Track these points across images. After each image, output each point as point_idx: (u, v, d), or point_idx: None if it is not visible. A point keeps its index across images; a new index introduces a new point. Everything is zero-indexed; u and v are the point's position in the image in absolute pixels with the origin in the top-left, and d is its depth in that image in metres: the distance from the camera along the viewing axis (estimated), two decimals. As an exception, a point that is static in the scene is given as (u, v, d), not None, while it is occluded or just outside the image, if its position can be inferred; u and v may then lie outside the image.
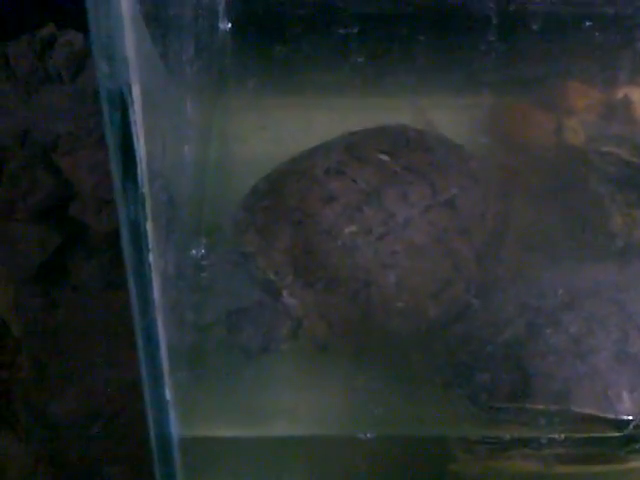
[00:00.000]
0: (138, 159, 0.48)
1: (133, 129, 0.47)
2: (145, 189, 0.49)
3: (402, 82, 0.82)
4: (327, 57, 0.83)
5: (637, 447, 0.63)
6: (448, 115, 0.85)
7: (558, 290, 0.67)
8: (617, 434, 0.62)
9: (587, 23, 0.81)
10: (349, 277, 0.67)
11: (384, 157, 0.72)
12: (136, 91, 0.46)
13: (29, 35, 1.17)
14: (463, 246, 0.70)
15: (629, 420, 0.61)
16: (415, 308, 0.68)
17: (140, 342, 0.55)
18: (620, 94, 0.83)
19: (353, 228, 0.68)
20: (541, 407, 0.62)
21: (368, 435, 0.64)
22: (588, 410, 0.61)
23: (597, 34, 0.81)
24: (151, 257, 0.52)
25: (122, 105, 0.46)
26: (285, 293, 0.67)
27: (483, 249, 0.71)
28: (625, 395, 0.61)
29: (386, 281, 0.68)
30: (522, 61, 0.85)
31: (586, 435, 0.62)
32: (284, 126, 0.82)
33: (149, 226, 0.50)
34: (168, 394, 0.59)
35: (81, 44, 1.17)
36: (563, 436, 0.62)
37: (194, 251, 0.68)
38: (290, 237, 0.68)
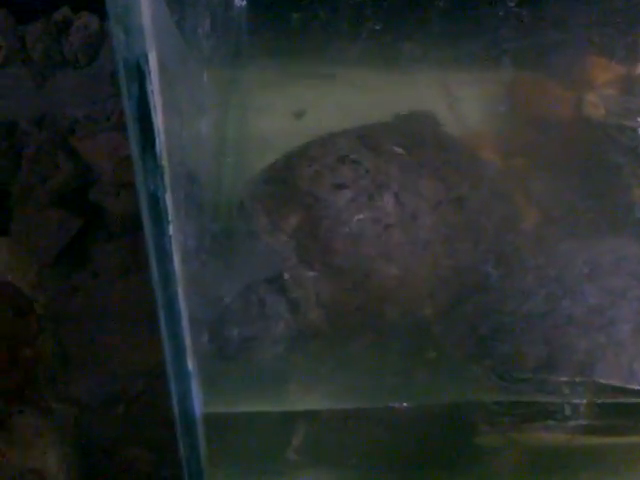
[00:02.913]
0: (156, 130, 0.48)
1: (151, 100, 0.47)
2: (164, 161, 0.49)
3: (420, 54, 0.82)
4: (345, 31, 0.82)
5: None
6: (468, 89, 0.84)
7: (579, 262, 0.67)
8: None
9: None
10: (353, 265, 0.68)
11: (398, 150, 0.72)
12: (153, 61, 0.45)
13: (44, 19, 1.17)
14: (469, 244, 0.70)
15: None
16: (412, 303, 0.68)
17: (162, 315, 0.55)
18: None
19: (361, 216, 0.68)
20: (565, 379, 0.61)
21: (394, 405, 0.64)
22: (612, 381, 0.61)
23: (620, 4, 0.80)
24: (171, 229, 0.52)
25: (139, 75, 0.46)
26: (286, 275, 0.67)
27: (490, 247, 0.71)
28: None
29: (388, 273, 0.68)
30: (542, 34, 0.84)
31: (610, 403, 0.62)
32: (301, 101, 0.82)
33: (168, 198, 0.50)
34: (190, 367, 0.59)
35: (96, 27, 1.17)
36: (586, 407, 0.62)
37: (212, 226, 0.68)
38: (297, 220, 0.68)
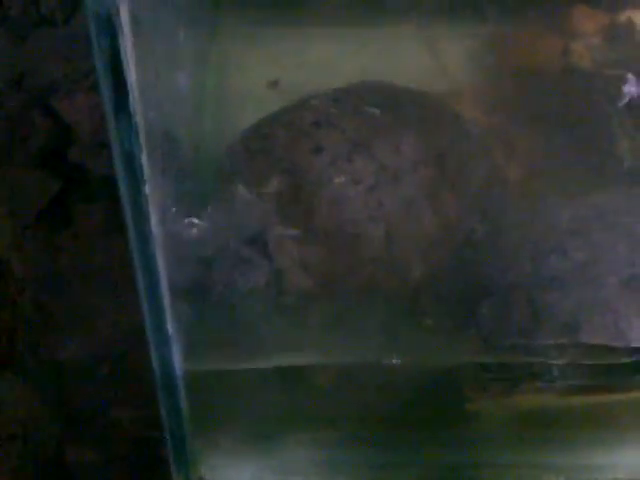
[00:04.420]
0: (130, 87, 0.46)
1: (123, 55, 0.45)
2: (138, 118, 0.48)
3: (403, 10, 0.80)
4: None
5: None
6: (452, 43, 0.83)
7: (563, 218, 0.66)
8: (629, 361, 0.61)
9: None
10: (336, 229, 0.67)
11: (374, 110, 0.71)
12: (124, 15, 0.44)
13: (20, -24, 1.15)
14: (452, 203, 0.70)
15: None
16: (398, 264, 0.67)
17: (140, 276, 0.55)
18: (623, 17, 0.81)
19: (342, 179, 0.67)
20: (550, 341, 0.61)
21: (383, 361, 0.64)
22: (598, 340, 0.60)
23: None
24: (147, 189, 0.51)
25: (110, 30, 0.44)
26: (270, 243, 0.66)
27: (473, 206, 0.70)
28: (635, 322, 0.60)
29: (374, 234, 0.67)
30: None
31: (598, 364, 0.61)
32: (283, 57, 0.80)
33: (144, 157, 0.49)
34: (170, 328, 0.58)
35: (73, -16, 1.15)
36: (574, 367, 0.61)
37: (191, 186, 0.67)
38: (278, 186, 0.67)
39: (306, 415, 0.68)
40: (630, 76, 0.73)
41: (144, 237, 0.52)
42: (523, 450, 0.68)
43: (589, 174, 0.72)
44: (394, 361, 0.63)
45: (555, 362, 0.61)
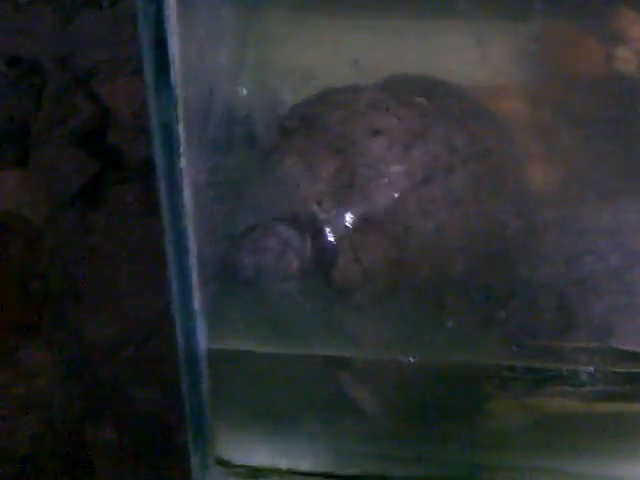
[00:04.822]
0: (171, 58, 0.46)
1: (167, 26, 0.45)
2: (178, 91, 0.48)
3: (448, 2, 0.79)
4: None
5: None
6: (499, 39, 0.82)
7: (602, 222, 0.65)
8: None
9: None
10: (390, 219, 0.65)
11: (422, 100, 0.70)
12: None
13: (70, -42, 1.16)
14: (494, 201, 0.68)
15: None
16: (444, 261, 0.66)
17: (170, 251, 0.54)
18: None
19: (399, 167, 0.65)
20: (581, 344, 0.60)
21: (409, 359, 0.63)
22: (629, 346, 0.59)
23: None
24: (183, 162, 0.51)
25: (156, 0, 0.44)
26: (327, 228, 0.64)
27: (512, 205, 0.69)
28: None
29: (424, 228, 0.65)
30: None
31: (628, 371, 0.60)
32: (324, 44, 0.80)
33: (181, 130, 0.49)
34: (197, 304, 0.58)
35: (121, -34, 1.16)
36: (603, 374, 0.60)
37: (227, 161, 0.65)
38: (333, 166, 0.65)
39: (326, 404, 0.67)
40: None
41: (177, 211, 0.52)
42: (542, 454, 0.67)
43: (631, 179, 0.71)
44: (411, 359, 0.62)
45: (584, 368, 0.60)
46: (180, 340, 0.59)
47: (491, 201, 0.69)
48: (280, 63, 0.82)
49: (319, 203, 0.63)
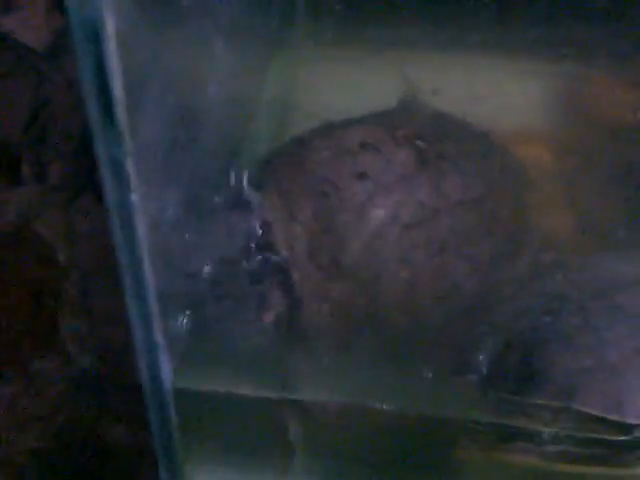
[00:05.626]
0: (116, 93, 0.47)
1: (109, 65, 0.46)
2: (125, 127, 0.48)
3: (474, 41, 0.78)
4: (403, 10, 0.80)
5: (645, 454, 0.58)
6: (523, 82, 0.81)
7: (589, 276, 0.63)
8: (623, 438, 0.57)
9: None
10: (365, 265, 0.64)
11: (420, 143, 0.68)
12: (110, 24, 0.45)
13: None
14: (488, 246, 0.66)
15: (636, 424, 0.56)
16: (422, 309, 0.64)
17: (127, 281, 0.55)
18: None
19: (381, 212, 0.64)
20: (543, 402, 0.58)
21: (374, 405, 0.62)
22: (591, 410, 0.57)
23: None
24: (134, 197, 0.51)
25: (96, 39, 0.45)
26: (295, 272, 0.63)
27: (512, 248, 0.67)
28: (636, 397, 0.57)
29: (400, 277, 0.64)
30: (611, 29, 0.79)
31: (590, 435, 0.58)
32: (352, 83, 0.80)
33: (130, 165, 0.50)
34: (160, 338, 0.58)
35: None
36: (565, 434, 0.58)
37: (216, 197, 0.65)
38: (313, 210, 0.64)
39: (292, 445, 0.66)
40: None
41: (130, 241, 0.53)
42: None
43: (636, 237, 0.68)
44: (384, 406, 0.61)
45: (547, 427, 0.58)
46: (145, 375, 0.60)
47: (477, 251, 0.67)
48: (296, 101, 0.83)
49: (292, 250, 0.63)
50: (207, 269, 0.62)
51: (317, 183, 0.65)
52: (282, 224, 0.63)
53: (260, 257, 0.63)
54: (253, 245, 0.63)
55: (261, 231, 0.64)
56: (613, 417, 0.56)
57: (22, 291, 0.87)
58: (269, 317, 0.63)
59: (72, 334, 0.89)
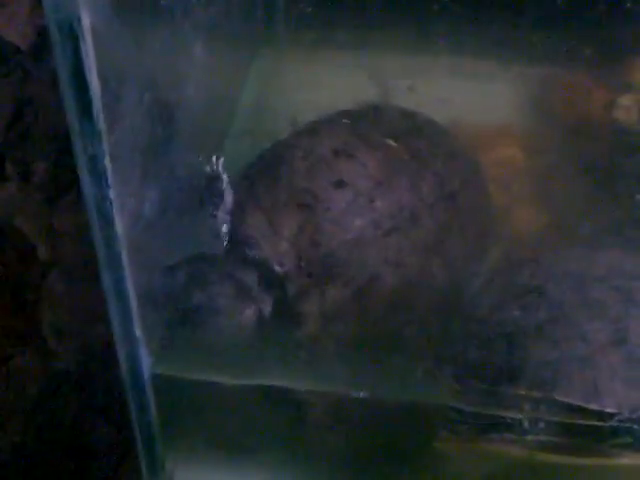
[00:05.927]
0: (93, 92, 0.48)
1: (86, 62, 0.46)
2: (101, 125, 0.49)
3: (448, 46, 0.79)
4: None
5: (623, 442, 0.59)
6: (496, 85, 0.82)
7: (564, 271, 0.63)
8: (602, 425, 0.58)
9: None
10: (354, 273, 0.64)
11: (391, 142, 0.69)
12: (86, 23, 0.45)
13: None
14: (461, 243, 0.67)
15: (614, 413, 0.57)
16: (414, 306, 0.65)
17: (105, 276, 0.56)
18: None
19: (363, 221, 0.65)
20: (523, 392, 0.58)
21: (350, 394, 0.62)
22: (571, 400, 0.58)
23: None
24: (112, 193, 0.52)
25: (72, 37, 0.46)
26: (290, 285, 0.63)
27: (482, 243, 0.68)
28: (614, 386, 0.57)
29: (390, 279, 0.64)
30: (586, 30, 0.80)
31: (570, 423, 0.58)
32: (332, 82, 0.81)
33: (107, 162, 0.50)
34: (138, 331, 0.59)
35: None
36: (545, 423, 0.59)
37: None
38: (298, 223, 0.64)
39: (277, 435, 0.67)
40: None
41: (108, 237, 0.54)
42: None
43: (607, 231, 0.69)
44: (361, 394, 0.61)
45: (527, 416, 0.59)
46: (124, 365, 0.61)
47: (456, 248, 0.68)
48: (274, 102, 0.83)
49: (282, 266, 0.63)
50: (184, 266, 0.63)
51: (297, 195, 0.65)
52: (268, 240, 0.64)
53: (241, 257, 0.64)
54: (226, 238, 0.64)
55: (247, 246, 0.64)
56: (593, 406, 0.57)
57: (2, 287, 0.87)
58: (251, 315, 0.64)
59: (52, 330, 0.89)
